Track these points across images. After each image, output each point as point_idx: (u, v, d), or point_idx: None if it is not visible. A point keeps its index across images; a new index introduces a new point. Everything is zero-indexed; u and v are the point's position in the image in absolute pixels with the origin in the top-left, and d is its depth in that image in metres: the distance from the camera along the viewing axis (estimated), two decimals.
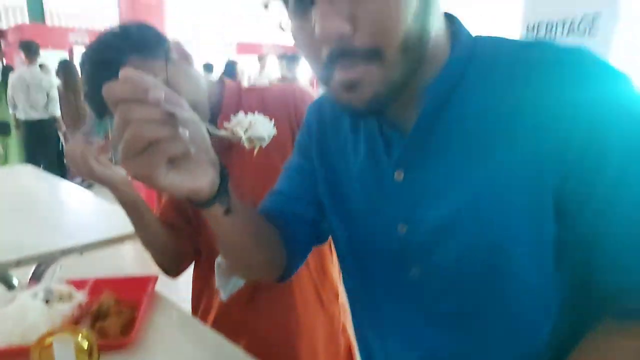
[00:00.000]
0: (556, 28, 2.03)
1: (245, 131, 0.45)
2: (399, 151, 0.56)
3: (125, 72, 0.41)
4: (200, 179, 0.48)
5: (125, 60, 0.84)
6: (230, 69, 6.78)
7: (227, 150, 0.97)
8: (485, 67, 0.52)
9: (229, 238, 0.61)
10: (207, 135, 0.49)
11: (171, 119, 0.42)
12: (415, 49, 0.47)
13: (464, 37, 0.54)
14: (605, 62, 0.47)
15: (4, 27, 11.45)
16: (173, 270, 1.10)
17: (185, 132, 0.45)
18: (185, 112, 0.44)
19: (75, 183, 5.73)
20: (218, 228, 0.58)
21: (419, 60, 0.49)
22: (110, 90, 0.41)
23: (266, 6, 0.51)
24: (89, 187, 5.66)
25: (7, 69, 5.83)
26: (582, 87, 0.46)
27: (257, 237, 0.64)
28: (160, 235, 1.02)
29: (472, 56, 0.52)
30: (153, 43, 0.88)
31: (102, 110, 0.86)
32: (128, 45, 0.85)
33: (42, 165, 5.62)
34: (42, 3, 9.95)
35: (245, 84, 1.10)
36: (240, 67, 7.04)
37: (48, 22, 11.45)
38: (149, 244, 1.03)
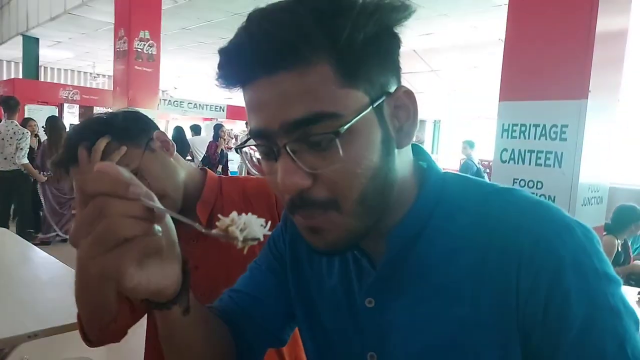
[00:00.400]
0: (529, 130, 2.17)
1: (241, 231, 0.45)
2: (369, 282, 0.56)
3: (101, 166, 0.40)
4: (167, 277, 0.46)
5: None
6: (216, 132, 7.16)
7: (199, 241, 0.97)
8: (452, 212, 0.54)
9: (179, 341, 0.55)
10: (174, 229, 0.47)
11: (148, 215, 0.41)
12: (374, 201, 0.48)
13: (432, 179, 0.54)
14: (567, 216, 0.51)
15: None
16: (98, 339, 0.87)
17: (159, 228, 0.42)
18: (162, 207, 0.42)
19: (50, 237, 5.57)
20: (169, 330, 0.54)
21: (381, 208, 0.49)
22: (88, 183, 0.39)
23: (237, 150, 0.53)
24: (63, 241, 5.52)
25: None
26: (545, 239, 0.48)
27: (209, 339, 0.60)
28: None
29: (440, 200, 0.53)
30: (134, 132, 0.92)
31: (60, 176, 0.87)
32: (108, 132, 0.90)
33: (16, 217, 5.56)
34: (37, 58, 10.18)
35: (232, 144, 1.12)
36: (227, 129, 7.38)
37: (42, 77, 11.67)
38: (96, 317, 0.82)
